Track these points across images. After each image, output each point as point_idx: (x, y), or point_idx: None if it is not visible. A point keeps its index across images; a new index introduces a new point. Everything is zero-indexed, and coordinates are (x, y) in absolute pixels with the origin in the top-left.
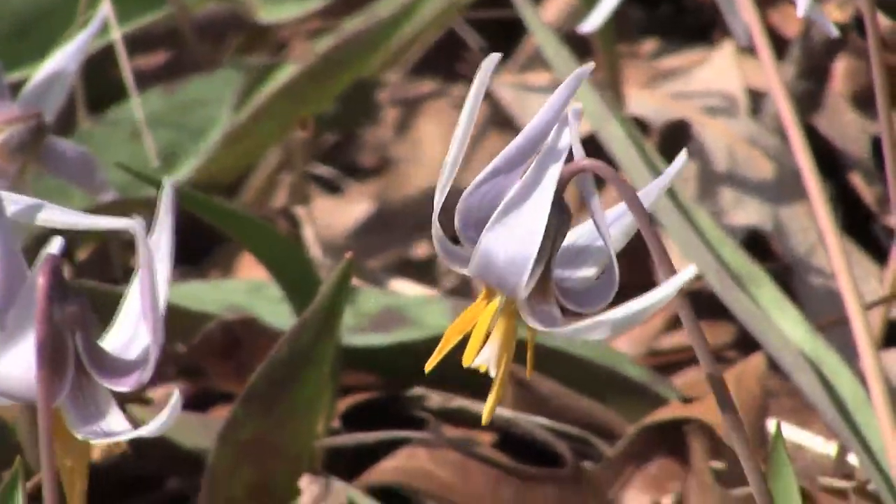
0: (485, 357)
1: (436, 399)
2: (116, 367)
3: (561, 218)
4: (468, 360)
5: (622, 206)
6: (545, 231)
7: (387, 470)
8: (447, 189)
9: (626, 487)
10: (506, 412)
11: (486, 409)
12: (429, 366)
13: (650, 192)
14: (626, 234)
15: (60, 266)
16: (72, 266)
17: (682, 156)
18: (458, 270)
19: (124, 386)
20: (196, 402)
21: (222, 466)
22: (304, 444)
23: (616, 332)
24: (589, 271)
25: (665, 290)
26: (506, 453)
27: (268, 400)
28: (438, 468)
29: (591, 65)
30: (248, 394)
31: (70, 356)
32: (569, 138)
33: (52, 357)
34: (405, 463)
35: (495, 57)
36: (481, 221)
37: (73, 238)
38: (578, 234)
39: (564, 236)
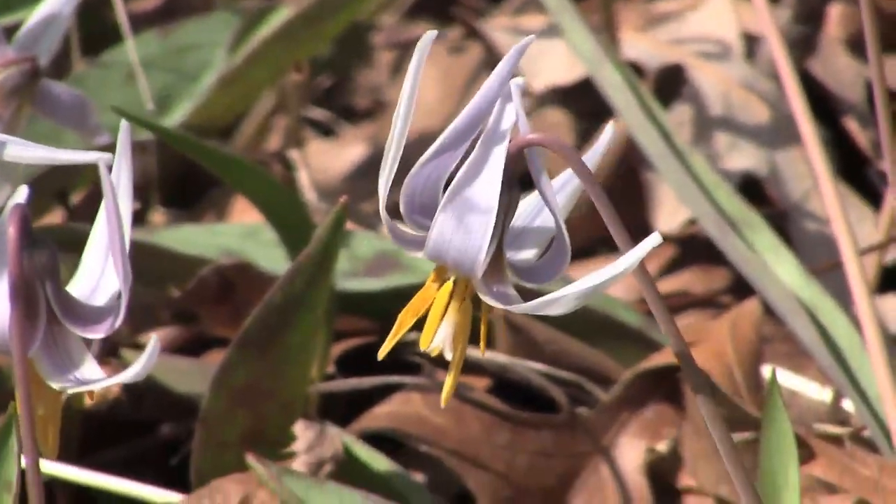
0: (440, 339)
1: None
2: (88, 315)
3: (510, 195)
4: (424, 344)
5: (566, 174)
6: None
7: (381, 415)
8: (392, 175)
9: (621, 433)
10: (500, 357)
11: (444, 392)
12: (381, 353)
13: (591, 156)
14: (570, 202)
15: (28, 215)
16: (66, 209)
17: (609, 128)
18: (414, 255)
19: (97, 333)
20: (190, 347)
21: (216, 411)
22: (298, 390)
23: (576, 305)
24: (534, 250)
25: (625, 262)
26: (500, 398)
27: (262, 345)
28: (432, 413)
29: (531, 38)
30: (242, 339)
31: (41, 305)
32: (513, 113)
33: (25, 306)
34: (399, 408)
35: (431, 34)
36: (426, 205)
37: (68, 181)
38: (520, 211)
39: (515, 212)
